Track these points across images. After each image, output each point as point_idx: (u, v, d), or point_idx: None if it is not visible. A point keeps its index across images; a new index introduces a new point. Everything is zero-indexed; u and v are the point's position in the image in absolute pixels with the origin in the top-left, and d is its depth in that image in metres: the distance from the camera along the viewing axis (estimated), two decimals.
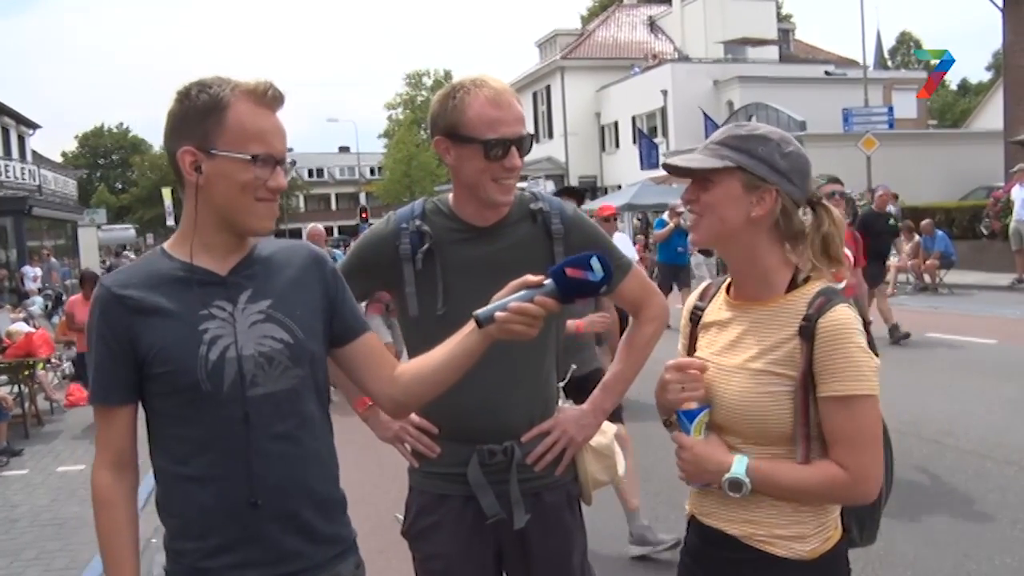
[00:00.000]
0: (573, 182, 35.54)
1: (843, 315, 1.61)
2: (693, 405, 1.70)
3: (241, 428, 1.61)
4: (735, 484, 1.64)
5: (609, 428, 2.28)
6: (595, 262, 1.61)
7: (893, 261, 15.68)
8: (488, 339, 1.66)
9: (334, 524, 1.75)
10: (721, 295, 1.83)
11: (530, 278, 1.62)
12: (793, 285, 1.70)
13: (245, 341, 1.63)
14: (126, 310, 1.62)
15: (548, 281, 1.61)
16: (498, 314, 1.60)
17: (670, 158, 1.77)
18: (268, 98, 1.63)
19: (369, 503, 4.96)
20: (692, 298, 1.90)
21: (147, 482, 1.77)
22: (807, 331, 1.61)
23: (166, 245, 1.73)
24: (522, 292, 1.61)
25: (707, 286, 1.90)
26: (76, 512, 5.74)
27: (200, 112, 1.60)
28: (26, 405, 8.32)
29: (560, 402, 2.26)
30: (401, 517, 2.20)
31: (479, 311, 1.63)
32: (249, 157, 1.60)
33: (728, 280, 1.83)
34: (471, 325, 1.66)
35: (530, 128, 2.08)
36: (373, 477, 5.66)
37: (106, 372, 1.65)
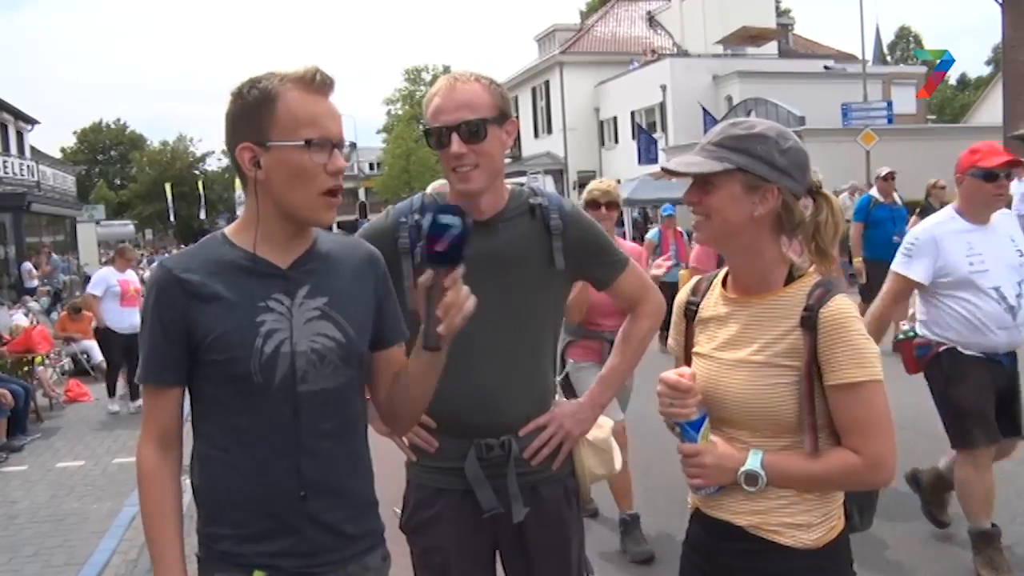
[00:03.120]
0: (572, 177, 35.54)
1: (843, 304, 1.63)
2: (694, 415, 1.68)
3: (290, 423, 1.63)
4: (751, 477, 1.65)
5: (606, 422, 2.28)
6: (436, 218, 1.53)
7: None
8: (441, 350, 1.65)
9: (367, 520, 1.77)
10: (716, 290, 1.82)
11: (421, 281, 1.57)
12: (790, 278, 1.71)
13: (300, 337, 1.64)
14: (185, 294, 1.63)
15: (429, 271, 1.56)
16: (439, 330, 1.58)
17: (669, 161, 1.76)
18: (317, 83, 1.63)
19: None
20: (684, 293, 1.90)
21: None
22: (809, 322, 1.63)
23: (227, 231, 1.73)
24: (433, 295, 1.57)
25: (698, 281, 1.90)
26: (75, 508, 5.75)
27: (252, 107, 1.61)
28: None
29: (556, 396, 2.25)
30: (399, 511, 2.21)
31: (426, 343, 1.61)
32: (302, 142, 1.59)
33: (722, 274, 1.83)
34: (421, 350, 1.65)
35: (505, 117, 2.04)
36: None
37: (160, 353, 1.65)
